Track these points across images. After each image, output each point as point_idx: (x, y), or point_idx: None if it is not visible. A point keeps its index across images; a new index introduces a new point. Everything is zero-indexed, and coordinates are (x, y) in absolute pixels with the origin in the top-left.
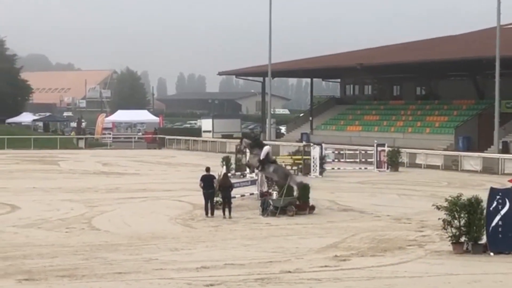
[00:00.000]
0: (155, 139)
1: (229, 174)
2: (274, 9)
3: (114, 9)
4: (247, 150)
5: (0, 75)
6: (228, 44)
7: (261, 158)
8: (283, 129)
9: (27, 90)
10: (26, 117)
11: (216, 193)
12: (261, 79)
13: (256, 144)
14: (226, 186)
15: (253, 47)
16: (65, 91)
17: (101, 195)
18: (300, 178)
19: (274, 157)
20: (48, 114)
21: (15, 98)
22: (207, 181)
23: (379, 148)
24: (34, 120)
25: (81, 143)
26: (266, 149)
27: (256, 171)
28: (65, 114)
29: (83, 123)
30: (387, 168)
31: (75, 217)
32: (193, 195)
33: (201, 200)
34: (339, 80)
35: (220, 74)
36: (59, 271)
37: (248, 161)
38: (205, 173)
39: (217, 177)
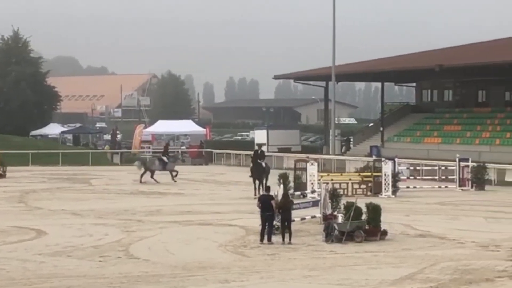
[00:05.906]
0: (201, 153)
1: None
2: (338, 7)
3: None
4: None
5: (24, 81)
6: (285, 45)
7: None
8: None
9: (54, 98)
10: (53, 129)
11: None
12: (323, 83)
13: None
14: (287, 208)
15: (314, 48)
16: (97, 98)
17: (140, 219)
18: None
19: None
20: (78, 125)
21: (40, 107)
22: (265, 202)
23: (462, 164)
24: (63, 132)
25: (116, 159)
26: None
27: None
28: (97, 125)
29: (118, 136)
30: (472, 187)
31: (110, 244)
32: (245, 218)
33: (255, 224)
34: (414, 84)
35: (276, 78)
36: None
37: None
38: (264, 193)
39: (273, 197)
